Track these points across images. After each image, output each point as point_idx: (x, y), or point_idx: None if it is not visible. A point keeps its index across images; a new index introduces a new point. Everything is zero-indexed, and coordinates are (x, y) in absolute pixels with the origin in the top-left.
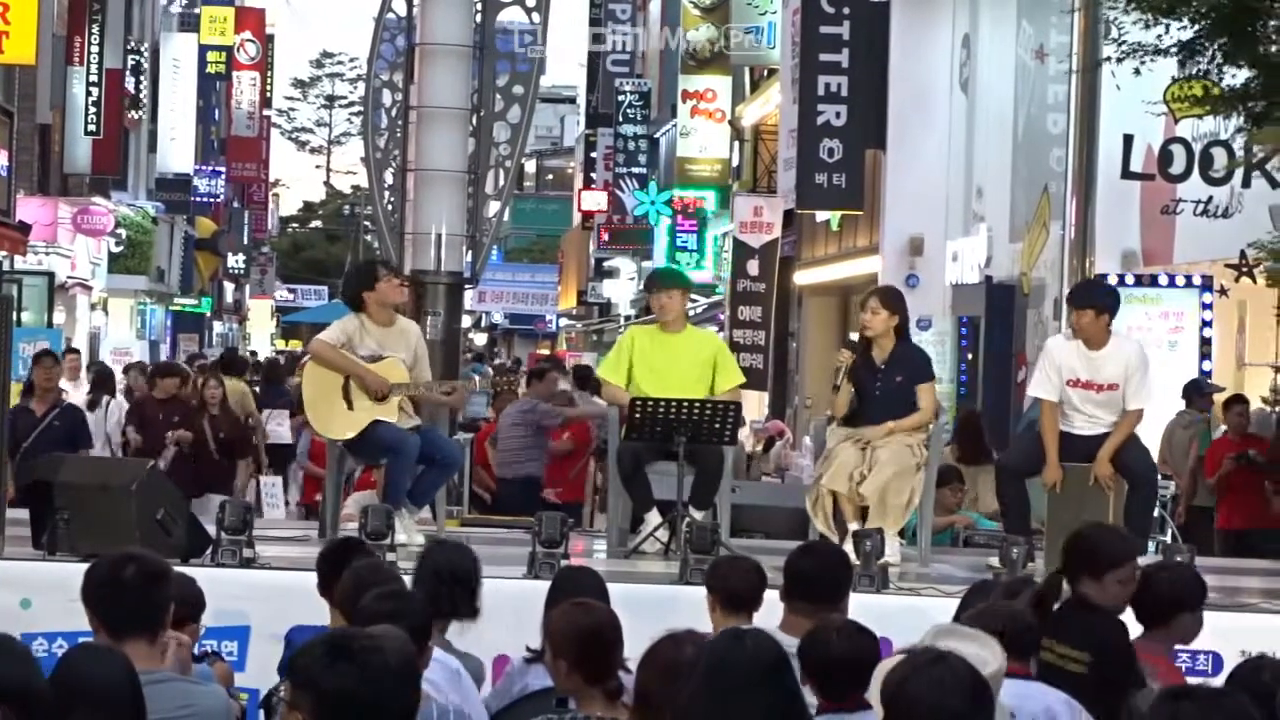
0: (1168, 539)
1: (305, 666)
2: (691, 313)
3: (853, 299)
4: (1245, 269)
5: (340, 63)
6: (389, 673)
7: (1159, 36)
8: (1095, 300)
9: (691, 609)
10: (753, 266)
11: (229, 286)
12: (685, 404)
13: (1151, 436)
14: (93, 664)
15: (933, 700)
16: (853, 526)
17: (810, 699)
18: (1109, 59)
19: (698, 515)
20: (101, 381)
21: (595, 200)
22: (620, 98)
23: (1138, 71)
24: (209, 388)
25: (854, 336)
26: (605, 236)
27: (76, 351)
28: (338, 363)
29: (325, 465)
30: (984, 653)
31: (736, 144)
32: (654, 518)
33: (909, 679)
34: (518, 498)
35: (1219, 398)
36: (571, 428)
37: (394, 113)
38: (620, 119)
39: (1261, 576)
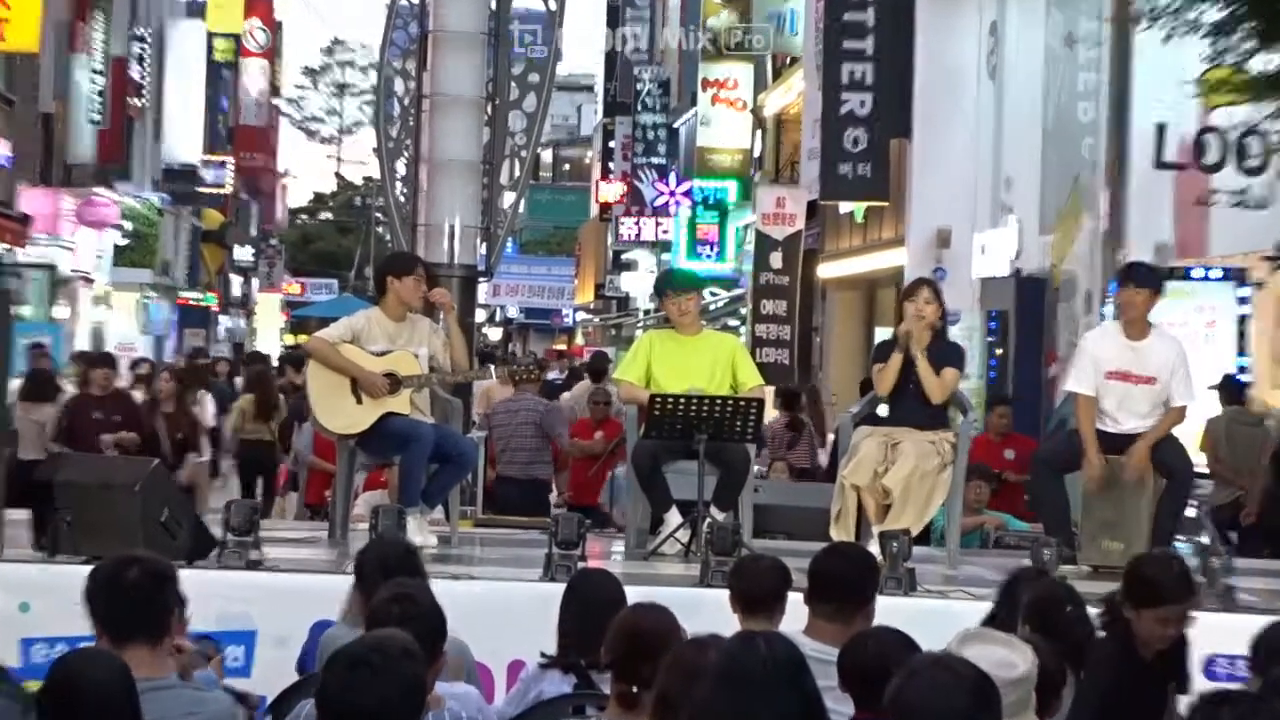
0: (1205, 540)
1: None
2: (712, 307)
3: (878, 293)
4: None
5: (352, 50)
6: (390, 682)
7: (1190, 21)
8: (1153, 280)
9: (713, 612)
10: (776, 259)
11: (236, 280)
12: (705, 400)
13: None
14: (87, 668)
15: (930, 704)
16: (876, 528)
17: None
18: (1142, 18)
19: (719, 516)
20: (195, 374)
21: (613, 191)
22: (639, 86)
23: (1168, 38)
24: (161, 380)
25: (882, 333)
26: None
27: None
28: (333, 360)
29: (332, 461)
30: (1012, 655)
31: (758, 133)
32: (674, 518)
33: (907, 684)
34: (518, 498)
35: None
36: (604, 426)
37: (407, 101)
38: (639, 108)
39: None
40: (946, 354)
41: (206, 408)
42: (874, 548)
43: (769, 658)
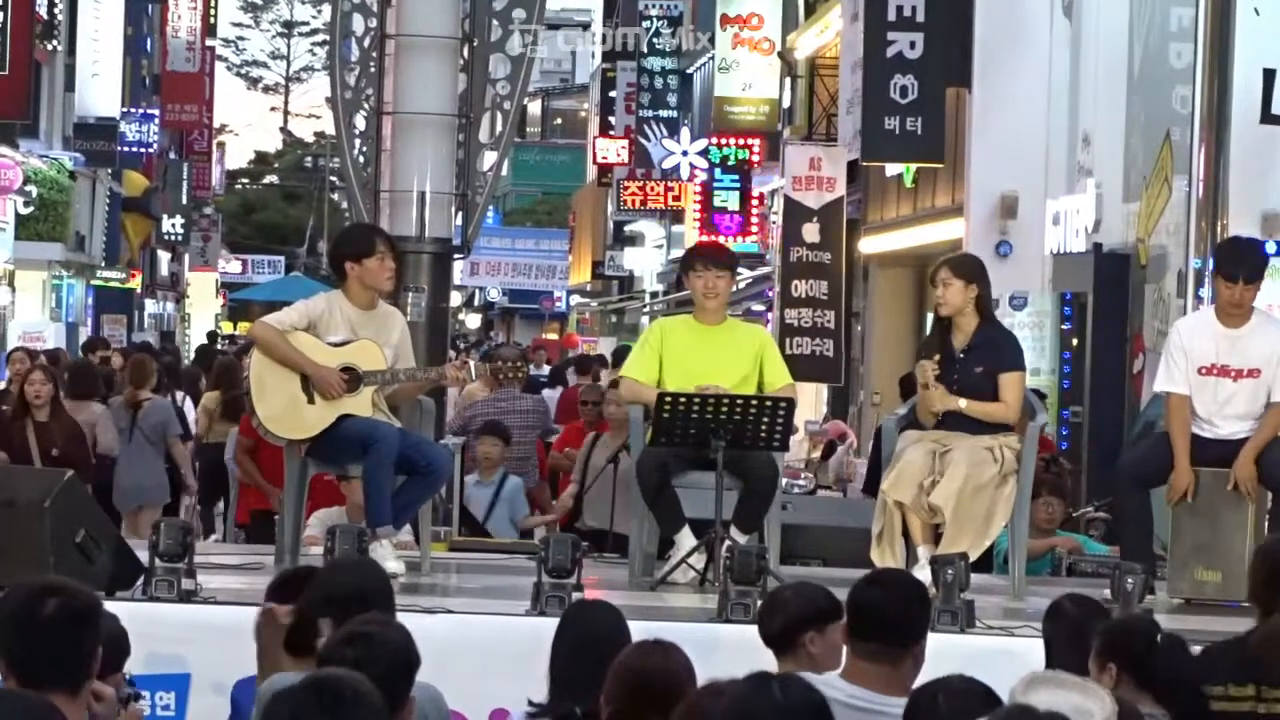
0: None
1: None
2: (732, 289)
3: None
4: None
5: None
6: None
7: None
8: (1263, 269)
9: (732, 652)
10: (810, 231)
11: (164, 256)
12: (724, 400)
13: None
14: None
15: None
16: (923, 551)
17: None
18: None
19: (740, 538)
20: (171, 374)
21: (614, 150)
22: (645, 24)
23: None
24: (32, 384)
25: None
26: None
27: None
28: (281, 351)
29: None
30: (1088, 703)
31: (788, 81)
32: (686, 540)
33: None
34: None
35: None
36: (600, 432)
37: (367, 43)
38: (645, 50)
39: None
40: (998, 352)
41: (187, 412)
42: (923, 575)
43: (784, 706)
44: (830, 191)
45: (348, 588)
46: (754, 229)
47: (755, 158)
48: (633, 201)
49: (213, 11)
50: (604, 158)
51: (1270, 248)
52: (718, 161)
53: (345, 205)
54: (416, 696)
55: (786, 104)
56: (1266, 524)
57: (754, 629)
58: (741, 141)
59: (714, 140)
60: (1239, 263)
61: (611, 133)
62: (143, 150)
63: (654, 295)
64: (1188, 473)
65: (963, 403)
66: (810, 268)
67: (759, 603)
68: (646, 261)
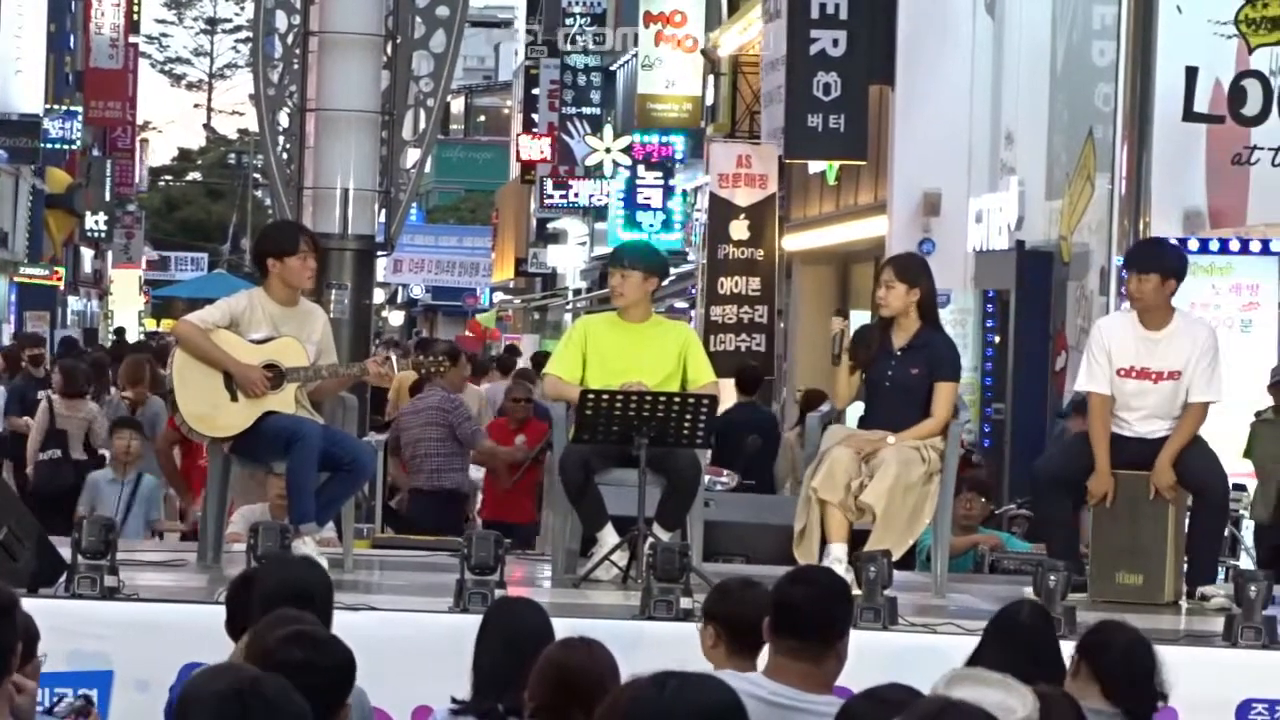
0: (1240, 563)
1: None
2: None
3: (854, 269)
4: None
5: None
6: None
7: None
8: (1162, 263)
9: (656, 649)
10: (737, 229)
11: (87, 253)
12: (647, 398)
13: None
14: None
15: None
16: (837, 548)
17: None
18: None
19: (663, 535)
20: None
21: (537, 147)
22: (569, 21)
23: None
24: None
25: (859, 317)
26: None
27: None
28: (204, 350)
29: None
30: (1010, 699)
31: (711, 78)
32: (609, 538)
33: None
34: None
35: None
36: (525, 429)
37: (290, 40)
38: (568, 47)
39: None
40: (937, 358)
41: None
42: (840, 570)
43: (671, 710)
44: (762, 189)
45: (293, 584)
46: (677, 226)
47: (678, 155)
48: (560, 197)
49: (136, 8)
50: (527, 155)
51: (1193, 245)
52: (642, 159)
53: (269, 202)
54: None
55: (710, 101)
56: (1186, 525)
57: (676, 625)
58: (665, 138)
59: (637, 137)
60: (1129, 255)
61: (535, 130)
62: (66, 147)
63: (577, 292)
64: (1108, 476)
65: (891, 438)
66: (735, 265)
67: (682, 600)
68: (569, 259)
